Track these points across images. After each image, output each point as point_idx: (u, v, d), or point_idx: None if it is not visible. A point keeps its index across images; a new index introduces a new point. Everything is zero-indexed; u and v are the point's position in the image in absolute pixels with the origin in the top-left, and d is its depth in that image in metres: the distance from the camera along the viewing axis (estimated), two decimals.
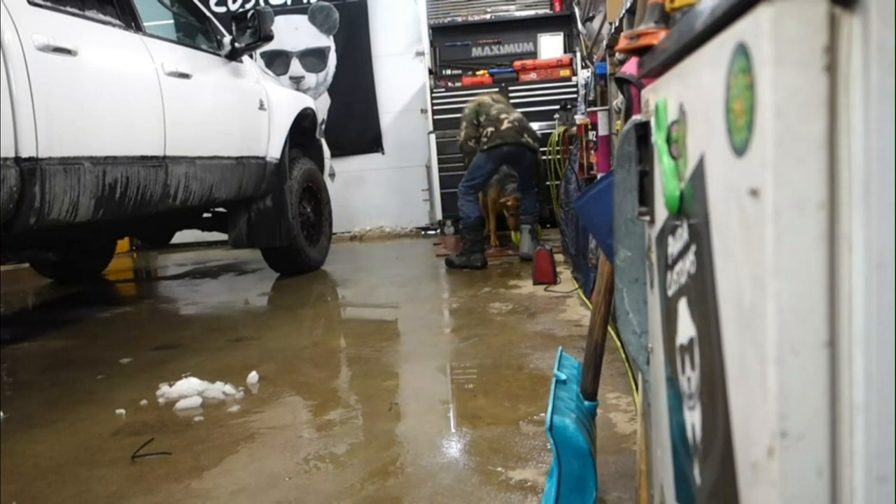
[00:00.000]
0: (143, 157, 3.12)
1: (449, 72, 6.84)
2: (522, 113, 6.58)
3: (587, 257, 2.98)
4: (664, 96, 0.76)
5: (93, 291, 4.94)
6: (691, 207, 0.66)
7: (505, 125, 4.50)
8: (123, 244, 6.95)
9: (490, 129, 4.53)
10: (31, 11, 2.60)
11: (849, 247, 0.43)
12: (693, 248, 0.66)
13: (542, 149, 5.04)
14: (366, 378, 2.43)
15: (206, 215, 4.72)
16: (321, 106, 6.50)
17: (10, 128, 2.42)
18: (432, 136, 6.42)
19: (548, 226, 6.30)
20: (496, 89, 5.86)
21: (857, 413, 0.43)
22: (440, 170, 6.41)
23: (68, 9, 2.82)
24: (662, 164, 0.73)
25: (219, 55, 4.05)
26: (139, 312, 4.05)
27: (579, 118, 3.65)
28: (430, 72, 6.60)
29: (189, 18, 4.26)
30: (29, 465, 1.86)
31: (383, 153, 7.12)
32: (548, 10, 6.77)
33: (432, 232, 6.94)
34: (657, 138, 0.77)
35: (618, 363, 2.29)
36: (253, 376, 2.44)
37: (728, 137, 0.53)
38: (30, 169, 2.49)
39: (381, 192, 7.10)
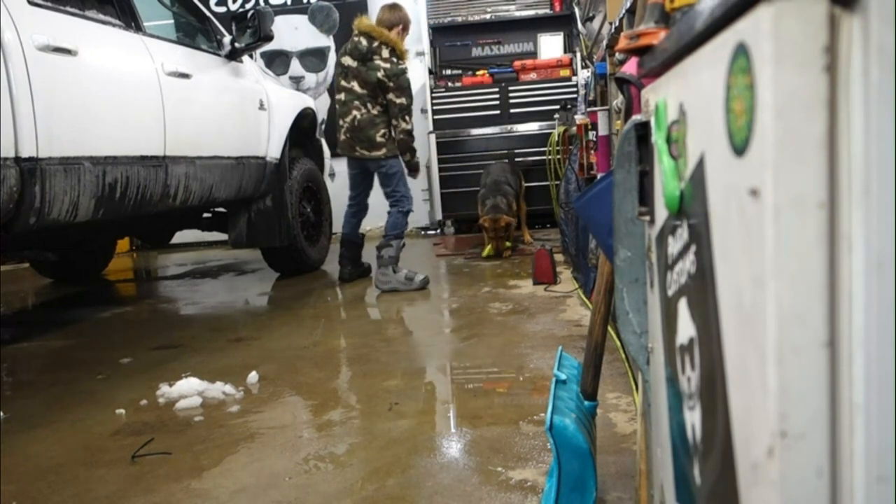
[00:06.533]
0: (143, 157, 3.12)
1: (449, 72, 6.84)
2: (522, 113, 6.47)
3: (587, 257, 2.97)
4: (664, 96, 0.76)
5: (93, 291, 4.94)
6: (691, 207, 0.66)
7: (341, 137, 4.24)
8: (123, 244, 6.94)
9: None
10: (31, 11, 2.60)
11: (849, 247, 0.43)
12: (693, 248, 0.66)
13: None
14: (366, 378, 2.43)
15: (206, 215, 4.72)
16: (321, 106, 6.50)
17: (10, 128, 2.42)
18: (432, 136, 6.42)
19: (548, 225, 6.30)
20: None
21: (857, 413, 0.43)
22: (440, 170, 6.41)
23: (68, 9, 2.82)
24: (662, 164, 0.73)
25: (219, 55, 4.05)
26: (139, 312, 4.05)
27: (579, 118, 3.64)
28: (430, 72, 6.59)
29: (189, 18, 4.25)
30: (29, 465, 1.86)
31: None
32: (548, 10, 6.76)
33: (432, 232, 6.93)
34: (657, 138, 0.77)
35: (618, 363, 2.29)
36: (253, 376, 2.44)
37: (728, 137, 0.53)
38: (30, 169, 2.49)
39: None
